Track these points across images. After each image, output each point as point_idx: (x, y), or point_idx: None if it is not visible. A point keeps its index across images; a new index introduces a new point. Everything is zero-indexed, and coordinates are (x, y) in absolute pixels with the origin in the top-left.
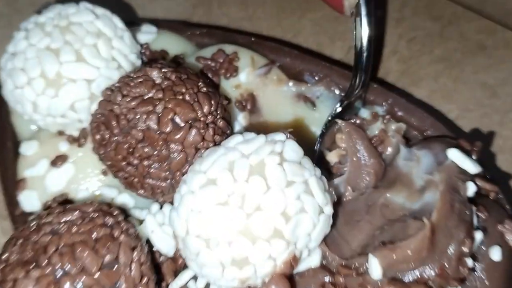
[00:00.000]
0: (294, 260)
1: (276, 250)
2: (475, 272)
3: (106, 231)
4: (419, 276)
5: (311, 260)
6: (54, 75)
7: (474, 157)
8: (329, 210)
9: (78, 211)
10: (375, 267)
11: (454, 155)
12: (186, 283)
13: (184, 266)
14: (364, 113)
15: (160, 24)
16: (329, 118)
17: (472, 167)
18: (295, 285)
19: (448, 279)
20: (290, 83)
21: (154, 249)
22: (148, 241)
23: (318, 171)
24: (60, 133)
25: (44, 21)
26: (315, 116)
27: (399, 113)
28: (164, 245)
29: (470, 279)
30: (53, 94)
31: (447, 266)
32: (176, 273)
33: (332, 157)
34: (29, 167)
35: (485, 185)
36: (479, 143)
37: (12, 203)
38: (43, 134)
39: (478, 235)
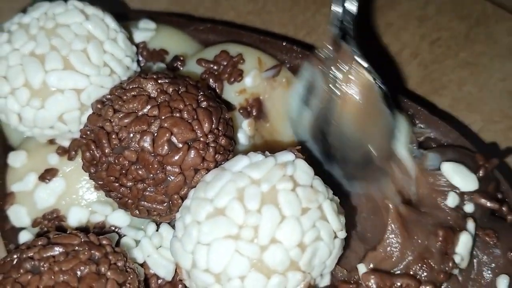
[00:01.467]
0: None
1: (292, 282)
2: None
3: (92, 268)
4: (405, 271)
5: (321, 283)
6: (39, 84)
7: (481, 173)
8: (343, 234)
9: (61, 245)
10: (361, 271)
11: (446, 169)
12: None
13: None
14: None
15: (160, 18)
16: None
17: (462, 184)
18: None
19: (433, 271)
20: None
21: (152, 271)
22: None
23: (330, 192)
24: (51, 141)
25: (29, 22)
26: None
27: (420, 125)
28: (161, 270)
29: None
30: (38, 105)
31: (430, 259)
32: None
33: None
34: (16, 181)
35: (485, 203)
36: (496, 160)
37: (1, 217)
38: (32, 143)
39: (463, 237)
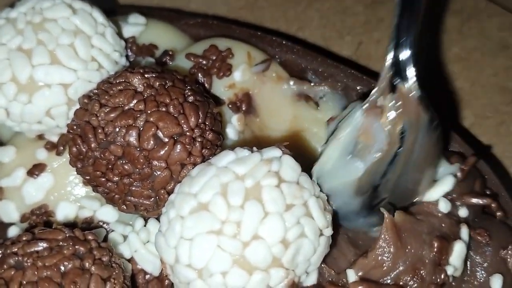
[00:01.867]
0: (293, 287)
1: (274, 279)
2: None
3: (76, 263)
4: (395, 281)
5: (308, 281)
6: (26, 79)
7: (459, 175)
8: (329, 231)
9: (45, 240)
10: (351, 278)
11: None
12: None
13: (171, 287)
14: None
15: (150, 13)
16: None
17: (442, 190)
18: None
19: (424, 282)
20: (291, 81)
21: (139, 267)
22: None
23: (317, 189)
24: (40, 137)
25: (16, 17)
26: (317, 117)
27: None
28: (148, 265)
29: None
30: (26, 100)
31: (422, 270)
32: None
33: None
34: (5, 176)
35: (477, 202)
36: (473, 158)
37: None
38: (21, 138)
39: (458, 247)
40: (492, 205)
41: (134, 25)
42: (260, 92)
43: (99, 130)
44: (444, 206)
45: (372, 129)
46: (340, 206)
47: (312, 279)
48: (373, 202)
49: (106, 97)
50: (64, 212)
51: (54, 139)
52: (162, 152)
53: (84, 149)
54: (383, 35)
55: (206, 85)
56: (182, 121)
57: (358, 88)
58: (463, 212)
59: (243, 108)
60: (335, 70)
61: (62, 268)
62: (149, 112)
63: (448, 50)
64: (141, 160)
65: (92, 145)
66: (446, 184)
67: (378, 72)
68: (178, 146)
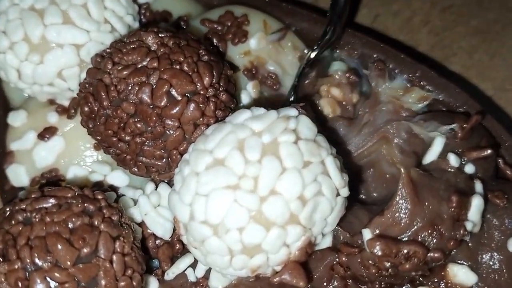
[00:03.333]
0: (310, 246)
1: (291, 236)
2: (493, 265)
3: (84, 220)
4: (413, 238)
5: (323, 243)
6: (39, 39)
7: (460, 134)
8: (345, 192)
9: (54, 197)
10: (367, 236)
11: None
12: (184, 271)
13: (182, 252)
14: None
15: None
16: (303, 66)
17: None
18: (311, 273)
19: (443, 238)
20: (306, 51)
21: (150, 231)
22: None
23: (334, 150)
24: (51, 102)
25: None
26: None
27: (428, 88)
28: (159, 229)
29: (488, 271)
30: (37, 60)
31: (440, 225)
32: (172, 259)
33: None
34: (16, 139)
35: (478, 154)
36: (477, 117)
37: (1, 177)
38: (32, 103)
39: (476, 201)
40: (500, 163)
41: None
42: (275, 60)
43: (112, 88)
44: (454, 160)
45: None
46: None
47: (327, 242)
48: None
49: (119, 55)
50: (74, 176)
51: (65, 103)
52: (175, 110)
53: (96, 108)
54: (401, 7)
55: (221, 50)
56: (196, 79)
57: (374, 55)
58: (469, 168)
59: (259, 76)
60: (352, 38)
61: (71, 224)
62: (162, 69)
63: (467, 22)
64: (154, 118)
65: (104, 103)
66: (436, 144)
67: (396, 40)
68: (192, 104)
